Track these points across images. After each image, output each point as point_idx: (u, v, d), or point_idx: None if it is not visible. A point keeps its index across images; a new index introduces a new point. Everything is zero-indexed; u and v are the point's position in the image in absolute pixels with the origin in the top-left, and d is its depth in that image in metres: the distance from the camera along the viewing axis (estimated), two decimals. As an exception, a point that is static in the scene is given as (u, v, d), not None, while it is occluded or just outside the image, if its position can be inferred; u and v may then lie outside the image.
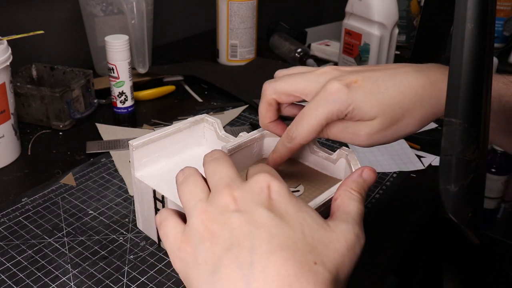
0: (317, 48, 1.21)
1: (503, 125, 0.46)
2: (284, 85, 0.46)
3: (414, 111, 0.43)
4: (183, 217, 0.35)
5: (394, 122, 0.43)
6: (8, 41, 0.71)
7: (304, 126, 0.44)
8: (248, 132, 0.54)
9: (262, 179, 0.33)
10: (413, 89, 0.43)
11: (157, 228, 0.37)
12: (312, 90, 0.45)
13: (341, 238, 0.32)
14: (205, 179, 0.36)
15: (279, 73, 0.50)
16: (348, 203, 0.36)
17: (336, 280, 0.30)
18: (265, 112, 0.49)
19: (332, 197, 0.42)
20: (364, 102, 0.42)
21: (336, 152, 0.51)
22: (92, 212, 0.62)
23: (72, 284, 0.51)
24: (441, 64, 0.45)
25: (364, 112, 0.43)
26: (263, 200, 0.32)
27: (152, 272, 0.53)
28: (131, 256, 0.55)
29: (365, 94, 0.43)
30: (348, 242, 0.32)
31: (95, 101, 0.87)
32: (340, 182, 0.44)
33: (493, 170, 1.30)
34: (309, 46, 1.24)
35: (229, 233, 0.31)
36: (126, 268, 0.53)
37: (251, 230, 0.30)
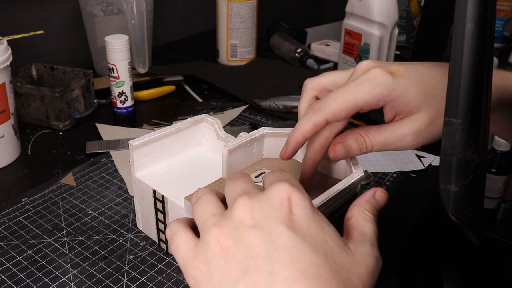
0: (317, 48, 1.21)
1: None
2: (324, 79, 0.45)
3: None
4: (196, 230, 0.34)
5: (440, 114, 0.40)
6: (8, 41, 0.71)
7: (338, 99, 0.40)
8: (248, 132, 0.53)
9: (282, 190, 0.31)
10: None
11: (167, 241, 0.35)
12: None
13: (362, 262, 0.31)
14: (222, 199, 0.35)
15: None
16: (364, 224, 0.34)
17: None
18: (305, 111, 0.45)
19: (332, 197, 0.43)
20: (409, 90, 0.40)
21: (336, 152, 0.51)
22: (92, 212, 0.62)
23: (72, 284, 0.51)
24: None
25: (409, 100, 0.40)
26: (283, 215, 0.30)
27: (152, 272, 0.53)
28: (131, 256, 0.55)
29: (410, 82, 0.41)
30: (369, 266, 0.31)
31: (95, 101, 0.87)
32: (339, 183, 0.44)
33: (493, 170, 1.29)
34: (309, 46, 1.24)
35: (245, 252, 0.28)
36: (126, 268, 0.53)
37: (270, 252, 0.28)
